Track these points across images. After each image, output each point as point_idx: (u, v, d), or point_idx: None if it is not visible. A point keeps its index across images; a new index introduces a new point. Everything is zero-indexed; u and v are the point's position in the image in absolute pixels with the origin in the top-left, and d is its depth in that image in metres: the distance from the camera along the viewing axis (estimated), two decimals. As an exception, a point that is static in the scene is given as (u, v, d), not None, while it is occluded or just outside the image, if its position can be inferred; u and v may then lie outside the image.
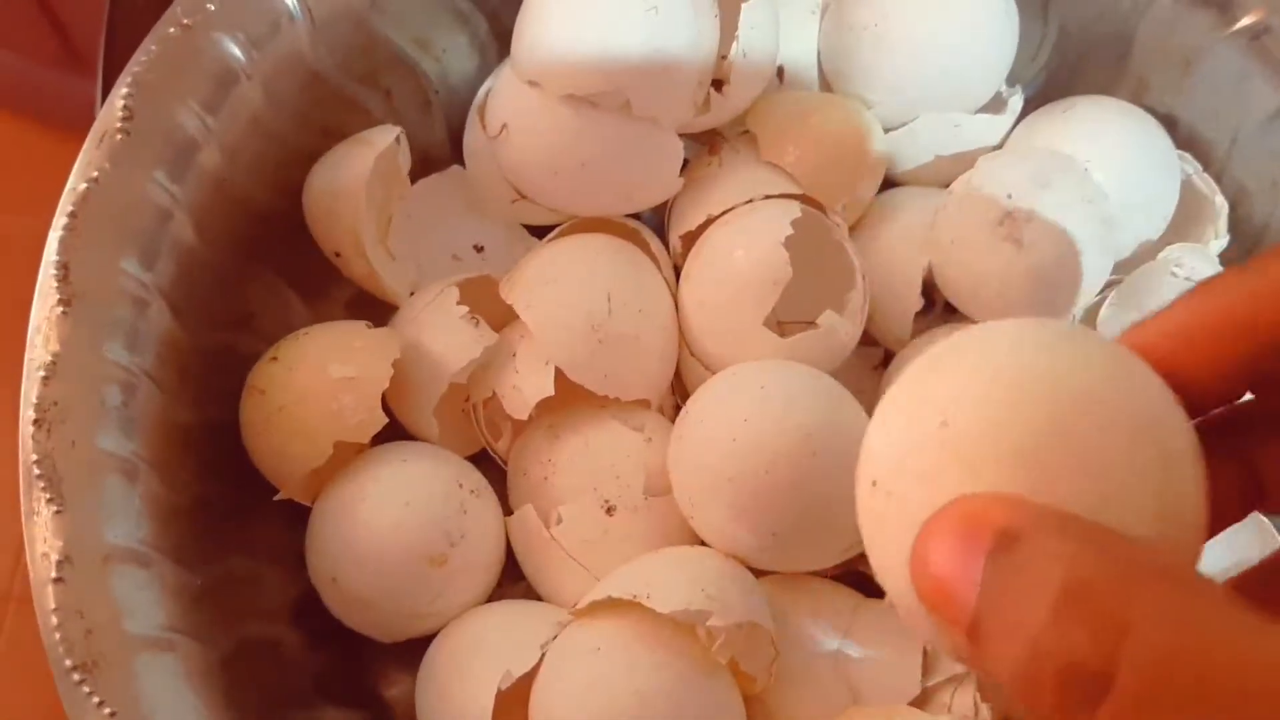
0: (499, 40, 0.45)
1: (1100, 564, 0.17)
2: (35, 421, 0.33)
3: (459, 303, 0.40)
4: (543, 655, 0.36)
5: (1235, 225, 0.44)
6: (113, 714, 0.30)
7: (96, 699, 0.30)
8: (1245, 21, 0.41)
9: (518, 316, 0.40)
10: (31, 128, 1.09)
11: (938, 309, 0.45)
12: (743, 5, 0.40)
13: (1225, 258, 0.43)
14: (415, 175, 0.45)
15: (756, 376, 0.38)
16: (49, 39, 0.98)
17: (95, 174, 0.35)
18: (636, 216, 0.44)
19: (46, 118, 1.09)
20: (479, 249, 0.45)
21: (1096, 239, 0.39)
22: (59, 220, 0.35)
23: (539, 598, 0.41)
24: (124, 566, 0.32)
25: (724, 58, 0.41)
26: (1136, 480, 0.19)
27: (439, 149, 0.46)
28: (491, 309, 0.41)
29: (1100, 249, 0.39)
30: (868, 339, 0.44)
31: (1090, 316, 0.43)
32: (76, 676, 0.31)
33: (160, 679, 0.32)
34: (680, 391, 0.43)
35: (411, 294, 0.43)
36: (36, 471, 0.32)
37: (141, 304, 0.35)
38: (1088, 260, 0.39)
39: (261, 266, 0.41)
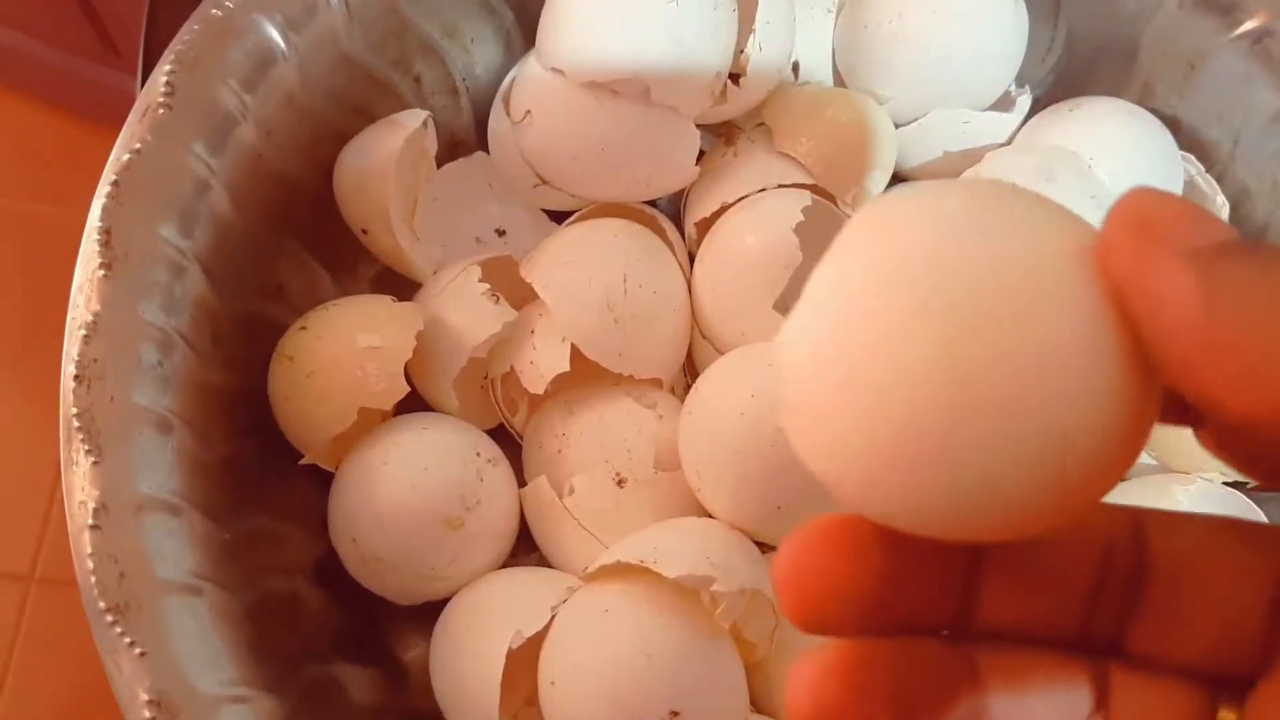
0: (524, 31, 0.47)
1: None
2: (76, 377, 0.34)
3: (480, 281, 0.42)
4: (553, 617, 0.37)
5: (1236, 225, 0.45)
6: (143, 653, 0.32)
7: (128, 639, 0.32)
8: (1248, 26, 0.42)
9: (537, 295, 0.41)
10: (68, 120, 1.12)
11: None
12: (759, 1, 0.42)
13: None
14: (441, 160, 0.46)
15: (765, 355, 0.39)
16: (86, 32, 1.00)
17: (138, 145, 0.37)
18: (653, 203, 0.46)
19: (83, 110, 1.11)
20: (500, 232, 0.47)
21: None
22: (102, 188, 0.36)
23: (551, 568, 0.42)
24: (156, 515, 0.34)
25: (741, 51, 0.42)
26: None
27: (465, 134, 0.47)
28: (512, 288, 0.42)
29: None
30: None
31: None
32: (110, 618, 0.32)
33: (188, 621, 0.33)
34: (692, 372, 0.44)
35: (435, 273, 0.44)
36: (76, 424, 0.34)
37: (178, 269, 0.37)
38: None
39: (293, 240, 0.43)
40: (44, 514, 1.04)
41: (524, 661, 0.37)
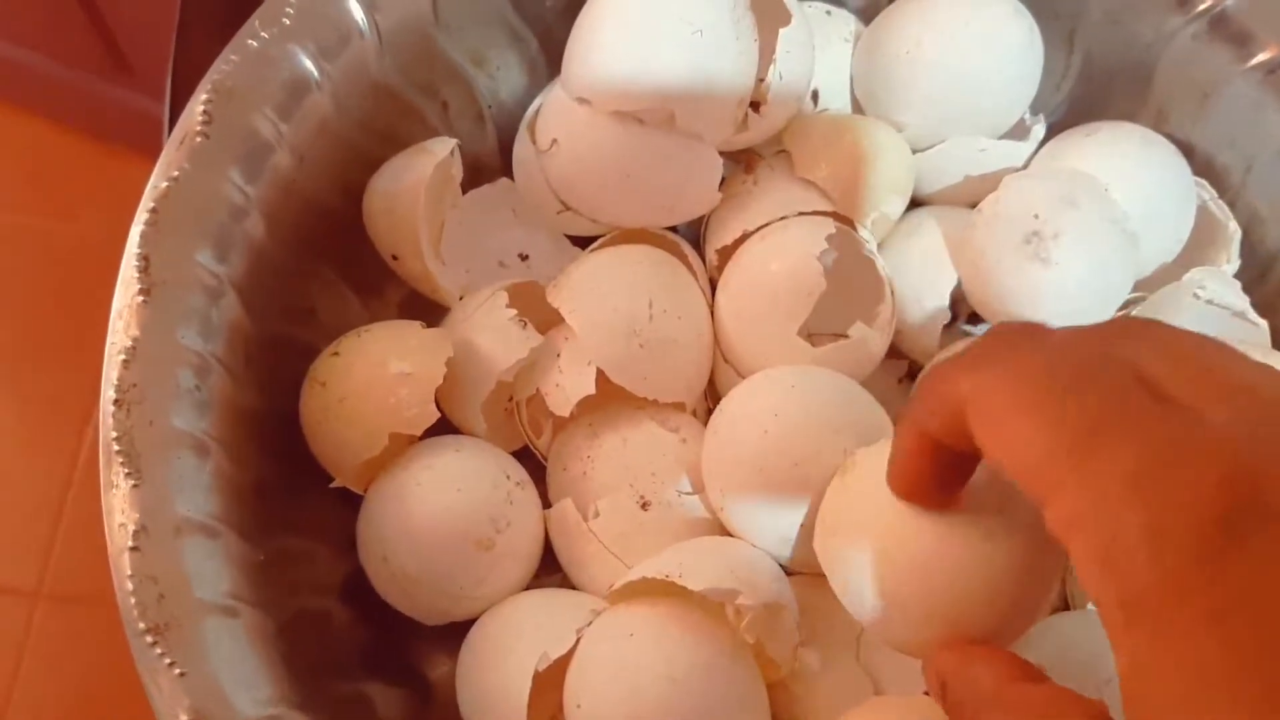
0: (549, 59, 0.47)
1: None
2: (116, 401, 0.35)
3: (508, 306, 0.43)
4: (578, 639, 0.38)
5: (1248, 250, 0.46)
6: (182, 674, 0.33)
7: (168, 660, 0.33)
8: (1262, 57, 0.43)
9: (563, 320, 0.42)
10: (78, 136, 1.13)
11: (962, 319, 0.47)
12: (780, 31, 0.42)
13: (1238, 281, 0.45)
14: (466, 185, 0.47)
15: (788, 377, 0.40)
16: (97, 49, 1.01)
17: (175, 173, 0.38)
18: (674, 230, 0.46)
19: (93, 127, 1.12)
20: (524, 257, 0.48)
21: (1120, 257, 0.41)
22: (140, 215, 0.37)
23: (575, 589, 0.43)
24: (194, 537, 0.35)
25: (761, 80, 0.43)
26: None
27: (489, 159, 0.48)
28: (537, 313, 0.43)
29: (1124, 267, 0.41)
30: (893, 352, 0.46)
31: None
32: (150, 639, 0.33)
33: (225, 642, 0.34)
34: (714, 397, 0.45)
35: (461, 298, 0.45)
36: (116, 448, 0.35)
37: (215, 294, 0.38)
38: (1112, 277, 0.41)
39: (324, 264, 0.43)
40: (50, 531, 1.04)
41: (549, 682, 0.38)
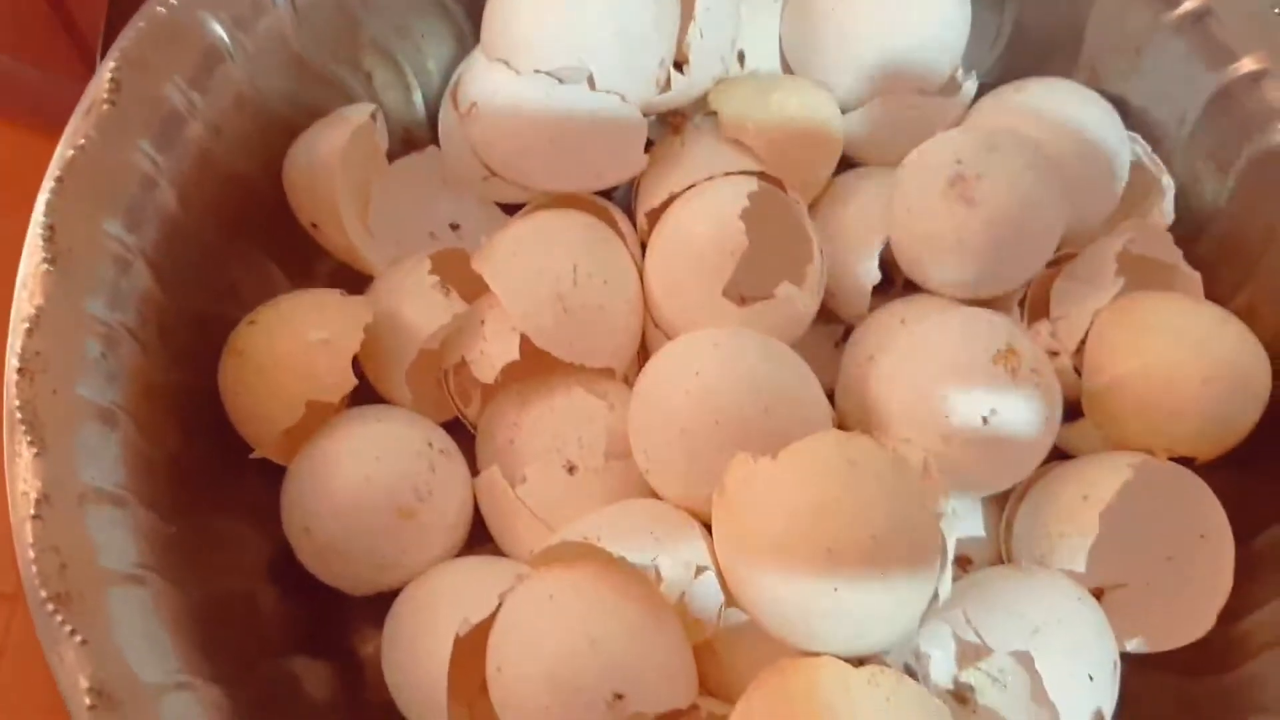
0: (476, 27, 0.47)
1: None
2: (19, 370, 0.34)
3: (431, 273, 0.42)
4: (500, 604, 0.37)
5: (1184, 205, 0.45)
6: (84, 642, 0.32)
7: (69, 628, 0.32)
8: (1188, 6, 0.43)
9: (489, 289, 0.42)
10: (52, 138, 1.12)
11: (897, 287, 0.46)
12: (698, -12, 0.42)
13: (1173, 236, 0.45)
14: (395, 158, 0.47)
15: (711, 337, 0.39)
16: (68, 54, 1.00)
17: (82, 141, 0.37)
18: (608, 196, 0.46)
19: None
20: (455, 227, 0.47)
21: (1048, 200, 0.41)
22: (46, 184, 0.37)
23: (505, 558, 0.42)
24: (100, 507, 0.34)
25: (683, 38, 0.42)
26: None
27: (419, 131, 0.48)
28: (465, 281, 0.42)
29: (1053, 209, 0.41)
30: (829, 316, 0.46)
31: (1043, 291, 0.44)
32: (50, 607, 0.32)
33: (132, 612, 0.33)
34: (645, 362, 0.44)
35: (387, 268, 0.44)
36: (19, 416, 0.34)
37: (124, 264, 0.37)
38: (1041, 219, 0.40)
39: (245, 239, 0.43)
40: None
41: (477, 650, 0.37)
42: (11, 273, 0.36)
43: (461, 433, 0.44)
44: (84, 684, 0.32)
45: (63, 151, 0.37)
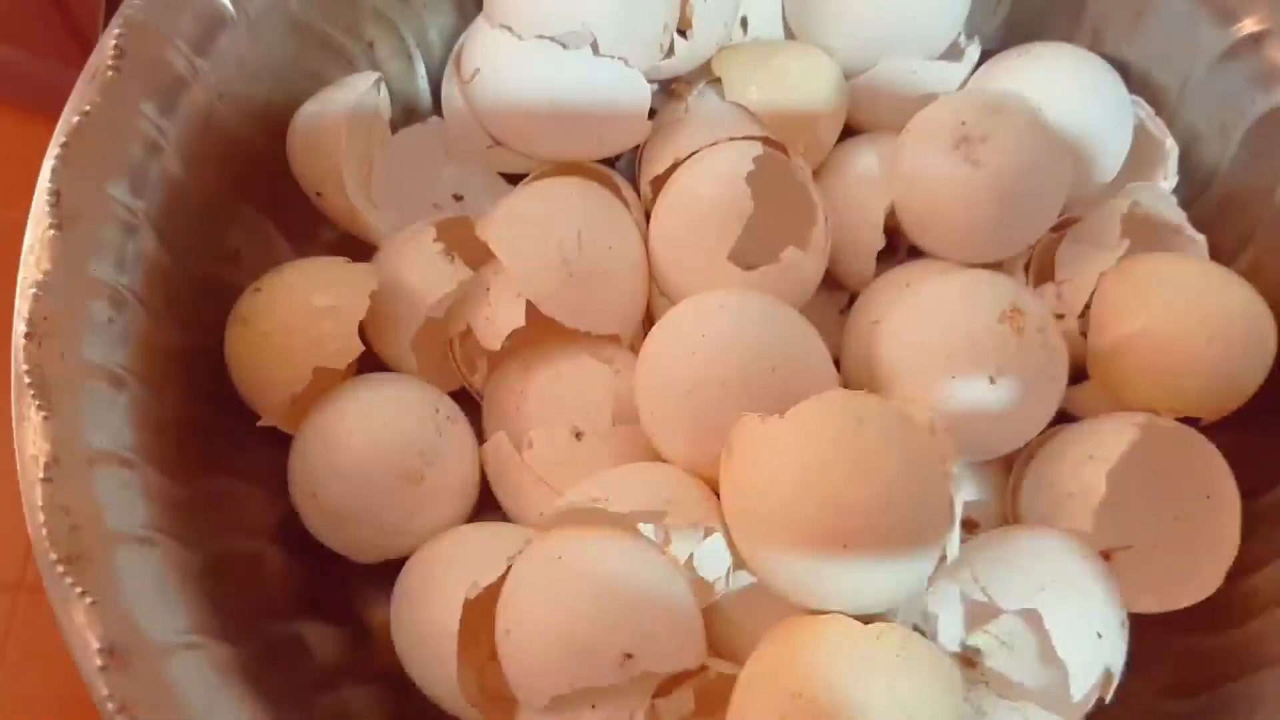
0: (477, -4, 0.47)
1: None
2: (27, 335, 0.34)
3: (435, 241, 0.42)
4: (508, 568, 0.37)
5: (1186, 168, 0.45)
6: (94, 602, 0.32)
7: (79, 589, 0.32)
8: (1190, -33, 0.43)
9: (494, 256, 0.41)
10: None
11: (902, 253, 0.46)
12: (704, -47, 0.42)
13: (1176, 198, 0.45)
14: (398, 128, 0.47)
15: (717, 299, 0.39)
16: (67, 43, 1.00)
17: (87, 107, 0.37)
18: (612, 164, 0.46)
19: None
20: (458, 197, 0.47)
21: (1053, 163, 0.41)
22: (53, 150, 0.36)
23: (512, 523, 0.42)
24: (108, 468, 0.34)
25: (686, 3, 0.42)
26: None
27: (420, 100, 0.48)
28: (469, 249, 0.42)
29: (1058, 173, 0.41)
30: (834, 283, 0.46)
31: (1048, 255, 0.44)
32: (60, 569, 0.32)
33: (141, 572, 0.33)
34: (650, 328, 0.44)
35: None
36: (27, 380, 0.34)
37: (130, 228, 0.37)
38: (1045, 181, 0.40)
39: (248, 204, 0.43)
40: (26, 522, 1.03)
41: (486, 614, 0.37)
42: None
43: (467, 401, 0.44)
44: (94, 644, 0.32)
45: (68, 118, 0.37)
